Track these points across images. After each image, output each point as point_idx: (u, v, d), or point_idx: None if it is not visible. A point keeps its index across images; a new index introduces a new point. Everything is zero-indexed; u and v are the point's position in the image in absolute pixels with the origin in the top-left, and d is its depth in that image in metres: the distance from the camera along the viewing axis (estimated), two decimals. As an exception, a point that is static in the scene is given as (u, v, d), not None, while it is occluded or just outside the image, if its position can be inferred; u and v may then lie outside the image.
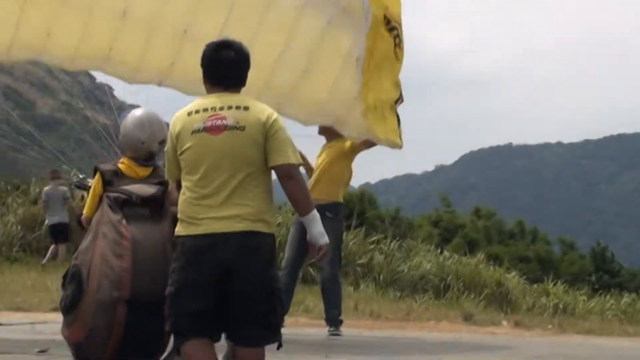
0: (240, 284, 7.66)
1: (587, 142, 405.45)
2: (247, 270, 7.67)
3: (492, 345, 16.92)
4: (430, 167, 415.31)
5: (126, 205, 9.39)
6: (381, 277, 29.13)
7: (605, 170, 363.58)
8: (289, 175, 7.86)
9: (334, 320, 16.16)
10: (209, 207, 7.71)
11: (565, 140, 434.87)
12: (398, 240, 34.50)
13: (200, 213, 7.71)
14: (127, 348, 9.19)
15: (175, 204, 8.42)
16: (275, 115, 7.91)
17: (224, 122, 7.70)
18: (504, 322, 21.81)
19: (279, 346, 7.95)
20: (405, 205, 59.47)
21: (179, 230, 7.91)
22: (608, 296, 35.75)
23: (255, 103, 7.95)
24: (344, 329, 16.42)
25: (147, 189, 9.51)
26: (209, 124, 7.71)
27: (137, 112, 10.05)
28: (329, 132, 16.21)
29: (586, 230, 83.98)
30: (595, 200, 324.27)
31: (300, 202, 8.10)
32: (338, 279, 16.85)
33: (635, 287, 44.52)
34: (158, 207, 9.47)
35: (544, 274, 39.18)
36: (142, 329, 9.12)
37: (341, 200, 16.73)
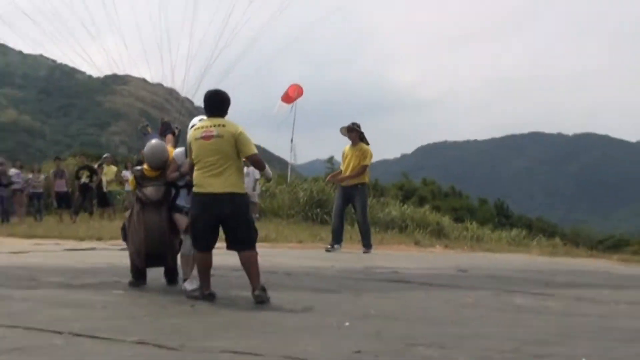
0: (230, 220, 9.83)
1: (492, 139, 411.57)
2: (233, 212, 9.81)
3: (431, 258, 19.73)
4: (398, 155, 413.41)
5: (144, 203, 10.90)
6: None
7: (505, 157, 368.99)
8: (252, 158, 10.11)
9: (367, 246, 19.24)
10: (209, 178, 9.75)
11: (480, 138, 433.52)
12: (377, 198, 36.37)
13: (204, 180, 9.79)
14: (148, 263, 10.98)
15: (185, 171, 10.55)
16: (240, 128, 9.86)
17: (212, 132, 9.76)
18: (438, 246, 23.88)
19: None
20: (382, 177, 60.23)
21: (194, 190, 9.99)
22: (503, 231, 37.66)
23: (229, 123, 9.89)
24: (345, 249, 19.34)
25: (157, 193, 10.89)
26: (205, 133, 9.80)
27: (152, 142, 11.18)
28: (352, 138, 19.20)
29: (493, 192, 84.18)
30: (498, 175, 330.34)
31: (258, 166, 10.57)
32: (368, 224, 19.73)
33: (520, 225, 46.46)
34: (159, 203, 10.83)
35: (465, 217, 41.39)
36: (153, 260, 10.92)
37: (367, 181, 19.57)
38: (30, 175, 31.93)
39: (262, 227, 23.38)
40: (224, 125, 9.81)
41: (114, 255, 15.52)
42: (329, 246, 19.12)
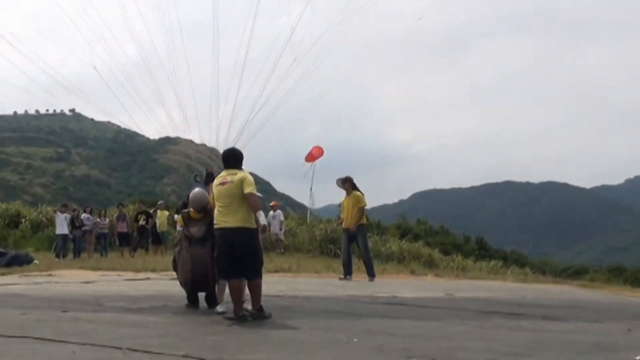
0: (240, 249, 9.93)
1: (472, 187, 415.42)
2: (242, 242, 9.95)
3: (425, 284, 19.54)
4: (396, 200, 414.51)
5: (190, 239, 11.06)
6: (372, 253, 31.25)
7: (483, 201, 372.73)
8: (249, 197, 9.96)
9: (371, 275, 19.11)
10: (223, 215, 10.06)
11: (463, 186, 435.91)
12: (379, 235, 36.67)
13: (220, 218, 10.11)
14: (195, 290, 11.20)
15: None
16: (246, 175, 10.15)
17: (227, 180, 10.09)
18: (430, 275, 23.57)
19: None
20: (383, 219, 60.26)
21: (215, 226, 10.23)
22: (483, 262, 37.49)
23: (240, 172, 10.20)
24: (355, 279, 19.18)
25: (200, 231, 11.00)
26: (222, 181, 10.17)
27: (195, 190, 11.39)
28: (346, 189, 19.36)
29: (474, 230, 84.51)
30: (478, 215, 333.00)
31: (254, 207, 10.07)
32: (370, 257, 19.79)
33: (497, 257, 46.39)
34: (204, 239, 10.90)
35: (452, 251, 41.29)
36: (198, 287, 11.14)
37: (365, 222, 19.67)
38: (98, 219, 32.02)
39: (286, 260, 23.65)
40: (235, 174, 10.16)
41: (165, 284, 15.66)
42: (342, 276, 19.17)
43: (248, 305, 10.30)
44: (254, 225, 10.18)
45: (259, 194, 10.33)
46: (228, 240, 9.97)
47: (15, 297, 13.05)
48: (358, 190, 19.46)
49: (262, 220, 10.29)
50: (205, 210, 11.07)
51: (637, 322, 11.24)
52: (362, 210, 19.31)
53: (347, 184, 19.40)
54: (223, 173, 10.39)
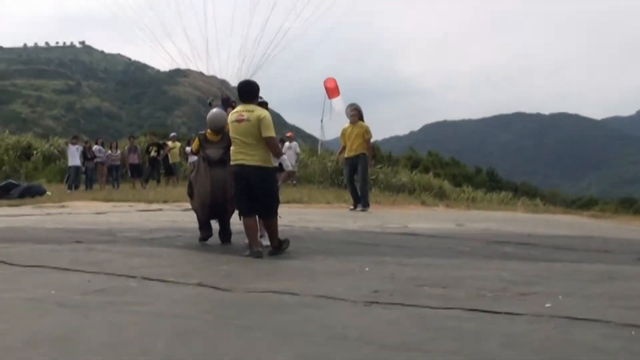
0: (257, 189, 9.66)
1: (483, 119, 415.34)
2: (259, 183, 9.64)
3: (435, 215, 19.65)
4: (407, 132, 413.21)
5: (209, 161, 10.87)
6: (383, 185, 31.74)
7: (494, 132, 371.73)
8: (268, 141, 9.62)
9: (366, 205, 19.04)
10: (240, 153, 9.64)
11: (473, 118, 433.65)
12: (390, 167, 36.64)
13: (237, 155, 9.68)
14: (211, 215, 11.01)
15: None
16: (264, 114, 9.69)
17: (243, 117, 9.62)
18: (440, 205, 23.80)
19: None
20: (393, 150, 60.38)
21: (231, 162, 9.84)
22: (494, 193, 37.63)
23: (257, 108, 9.74)
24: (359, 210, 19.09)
25: (217, 153, 10.82)
26: (238, 117, 9.67)
27: (213, 111, 11.25)
28: (353, 118, 19.18)
29: (485, 162, 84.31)
30: (489, 147, 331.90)
31: (273, 152, 9.79)
32: (367, 188, 19.80)
33: (507, 189, 46.38)
34: (223, 161, 10.66)
35: (463, 183, 41.34)
36: (216, 211, 10.92)
37: (367, 152, 19.18)
38: (109, 151, 32.18)
39: (297, 192, 23.63)
40: (252, 111, 9.68)
41: (178, 214, 15.76)
42: (352, 207, 19.23)
43: (264, 241, 10.25)
44: (272, 165, 9.91)
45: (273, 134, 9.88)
46: (245, 178, 9.65)
47: (29, 228, 13.17)
48: (363, 120, 19.36)
49: (288, 165, 10.26)
50: (223, 132, 10.86)
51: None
52: (369, 141, 19.31)
53: (356, 112, 19.27)
54: (239, 108, 9.92)
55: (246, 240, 9.98)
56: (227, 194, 10.66)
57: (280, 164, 10.11)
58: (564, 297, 6.71)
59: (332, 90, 27.11)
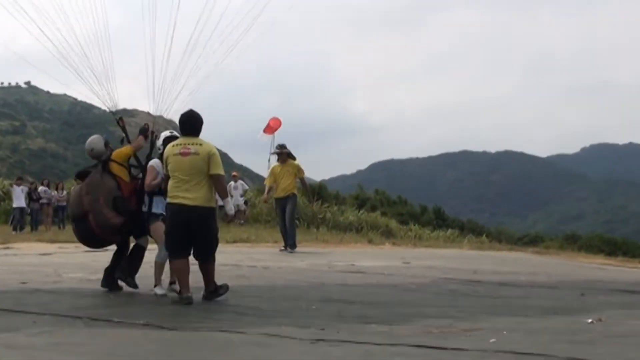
0: (197, 231, 8.88)
1: (429, 157, 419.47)
2: (200, 225, 8.90)
3: (382, 253, 19.73)
4: (354, 170, 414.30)
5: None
6: (330, 223, 31.33)
7: (440, 171, 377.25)
8: (217, 179, 9.01)
9: (292, 246, 18.32)
10: (182, 190, 8.82)
11: (420, 156, 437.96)
12: (337, 205, 36.85)
13: (177, 193, 8.85)
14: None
15: (158, 183, 9.54)
16: (214, 149, 9.01)
17: (189, 150, 8.83)
18: (387, 244, 23.94)
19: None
20: (341, 189, 60.70)
21: (168, 200, 9.00)
22: (441, 231, 37.98)
23: (205, 142, 9.00)
24: (309, 248, 19.40)
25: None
26: (182, 150, 8.85)
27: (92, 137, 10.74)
28: (282, 158, 18.57)
29: (431, 200, 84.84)
30: (436, 185, 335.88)
31: (219, 192, 9.22)
32: (294, 226, 19.22)
33: (454, 226, 46.92)
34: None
35: (409, 221, 41.64)
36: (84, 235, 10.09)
37: (295, 191, 18.89)
38: (55, 192, 31.78)
39: (245, 231, 23.53)
40: (200, 144, 8.96)
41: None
42: (282, 248, 18.67)
43: (163, 290, 9.67)
44: (214, 205, 9.27)
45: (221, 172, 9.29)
46: (184, 218, 8.83)
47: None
48: (293, 157, 18.94)
49: (230, 208, 9.71)
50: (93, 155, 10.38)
51: (590, 287, 11.44)
52: (303, 179, 19.31)
53: (285, 152, 18.80)
54: (181, 140, 9.07)
55: (158, 291, 9.52)
56: (84, 204, 9.91)
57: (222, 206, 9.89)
58: (509, 332, 6.80)
59: (270, 129, 27.22)
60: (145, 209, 9.87)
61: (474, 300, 9.38)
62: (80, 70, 10.70)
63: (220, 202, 9.78)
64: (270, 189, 19.41)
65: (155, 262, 9.66)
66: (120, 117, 11.11)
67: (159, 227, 9.60)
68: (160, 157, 9.67)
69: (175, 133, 9.77)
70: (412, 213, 56.92)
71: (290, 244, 18.43)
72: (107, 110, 11.41)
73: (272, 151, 19.26)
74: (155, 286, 9.56)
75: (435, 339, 6.43)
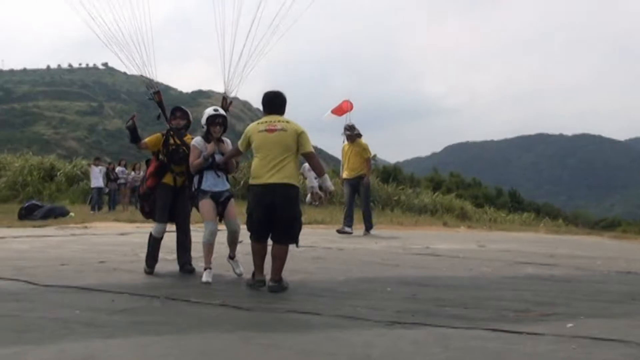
0: (281, 210, 8.32)
1: (505, 139, 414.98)
2: (284, 203, 8.35)
3: (456, 236, 19.58)
4: (429, 153, 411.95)
5: None
6: (405, 206, 31.60)
7: (516, 153, 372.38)
8: (311, 156, 8.65)
9: (369, 228, 18.27)
10: (268, 169, 8.32)
11: (495, 139, 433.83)
12: (412, 188, 36.90)
13: (263, 172, 8.36)
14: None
15: (227, 156, 9.25)
16: (302, 127, 8.52)
17: (276, 127, 8.42)
18: (462, 226, 23.72)
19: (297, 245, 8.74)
20: (416, 171, 60.52)
21: (252, 182, 8.53)
22: (516, 214, 37.52)
23: (291, 121, 8.58)
24: (383, 229, 19.36)
25: None
26: (269, 127, 8.45)
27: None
28: (352, 138, 18.30)
29: (507, 183, 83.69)
30: (511, 168, 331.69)
31: (317, 169, 8.90)
32: (370, 209, 19.09)
33: (529, 210, 46.45)
34: None
35: (484, 204, 41.40)
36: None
37: (365, 172, 18.29)
38: (132, 173, 32.30)
39: (320, 213, 23.58)
40: (287, 122, 8.57)
41: (201, 235, 15.72)
42: (340, 228, 18.12)
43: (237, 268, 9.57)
44: (298, 184, 8.84)
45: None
46: (270, 199, 8.35)
47: (53, 248, 13.32)
48: (360, 136, 18.66)
49: (330, 185, 9.16)
50: None
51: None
52: (368, 160, 18.74)
53: (355, 133, 18.53)
54: (266, 118, 8.69)
55: (205, 278, 8.97)
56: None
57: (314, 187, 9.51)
58: (586, 317, 6.71)
59: (340, 110, 27.04)
60: (195, 186, 9.42)
61: (551, 285, 9.23)
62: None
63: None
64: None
65: (203, 244, 9.30)
66: (158, 91, 10.95)
67: (205, 205, 9.28)
68: (206, 135, 9.40)
69: (220, 110, 9.55)
70: (487, 196, 56.51)
71: (367, 226, 18.26)
72: (144, 82, 11.14)
73: (343, 132, 18.82)
74: (205, 269, 9.10)
75: (511, 323, 6.37)
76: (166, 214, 9.87)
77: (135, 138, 10.02)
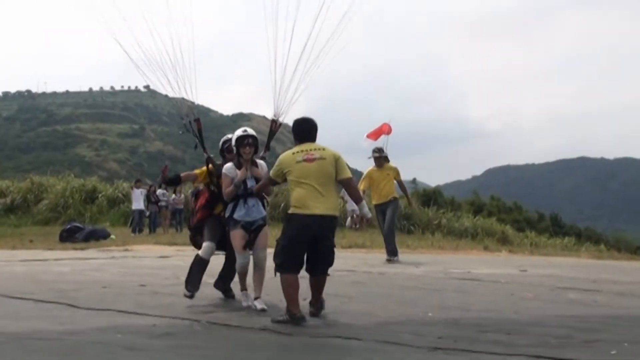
0: (321, 241, 8.08)
1: (546, 163, 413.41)
2: (327, 234, 8.17)
3: (498, 260, 19.34)
4: (469, 176, 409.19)
5: None
6: (445, 229, 31.43)
7: (558, 177, 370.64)
8: (349, 183, 8.38)
9: (393, 252, 17.16)
10: (313, 199, 8.01)
11: (537, 162, 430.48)
12: (453, 211, 36.55)
13: (309, 202, 8.00)
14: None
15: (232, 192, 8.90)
16: (338, 153, 8.27)
17: (314, 155, 8.12)
18: (503, 251, 23.47)
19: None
20: (456, 194, 60.13)
21: (295, 211, 8.13)
22: (557, 239, 37.22)
23: (327, 147, 8.32)
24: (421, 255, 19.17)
25: None
26: (306, 157, 8.11)
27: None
28: (379, 162, 17.49)
29: (548, 207, 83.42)
30: (553, 192, 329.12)
31: (355, 196, 8.61)
32: (394, 231, 17.87)
33: (571, 234, 46.10)
34: None
35: (525, 228, 41.14)
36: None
37: (396, 195, 17.76)
38: (173, 195, 32.51)
39: (360, 236, 23.56)
40: (324, 149, 8.30)
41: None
42: (389, 258, 17.29)
43: (258, 304, 8.82)
44: (338, 214, 8.61)
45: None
46: (314, 230, 8.07)
47: (94, 271, 13.55)
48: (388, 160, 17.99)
49: (368, 211, 8.90)
50: None
51: None
52: (401, 182, 18.20)
53: (384, 155, 17.89)
54: (302, 147, 8.32)
55: (257, 305, 8.76)
56: None
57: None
58: (630, 344, 6.64)
59: (377, 133, 26.88)
60: (227, 213, 9.13)
61: (593, 310, 9.16)
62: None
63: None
64: (363, 192, 17.43)
65: (238, 274, 9.27)
66: (197, 119, 11.01)
67: (235, 236, 9.00)
68: (237, 160, 9.19)
69: (249, 130, 9.25)
70: (528, 220, 56.06)
71: (389, 250, 17.29)
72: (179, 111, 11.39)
73: (370, 156, 18.11)
74: (255, 299, 8.84)
75: (554, 349, 6.33)
76: (217, 235, 9.53)
77: (175, 181, 10.73)
